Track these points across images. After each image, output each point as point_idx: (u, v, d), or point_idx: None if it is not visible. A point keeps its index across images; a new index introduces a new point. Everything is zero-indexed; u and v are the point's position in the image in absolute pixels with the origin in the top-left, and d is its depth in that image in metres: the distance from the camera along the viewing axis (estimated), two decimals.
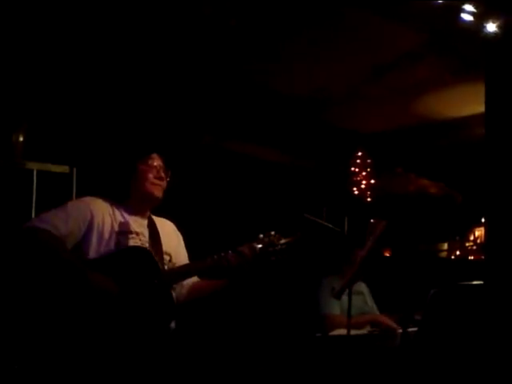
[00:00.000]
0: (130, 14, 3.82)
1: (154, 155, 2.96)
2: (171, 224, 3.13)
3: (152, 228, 2.95)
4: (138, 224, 2.91)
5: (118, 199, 2.91)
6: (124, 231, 2.82)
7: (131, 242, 2.82)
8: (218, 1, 3.81)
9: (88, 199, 2.88)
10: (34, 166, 4.14)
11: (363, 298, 4.45)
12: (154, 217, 3.03)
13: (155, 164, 2.95)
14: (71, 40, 3.99)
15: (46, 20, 3.79)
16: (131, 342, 2.64)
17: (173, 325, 2.87)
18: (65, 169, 4.24)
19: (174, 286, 2.91)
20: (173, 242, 3.03)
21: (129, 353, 2.63)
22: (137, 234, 2.86)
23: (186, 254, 3.11)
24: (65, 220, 2.72)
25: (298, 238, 3.06)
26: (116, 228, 2.81)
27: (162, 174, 2.94)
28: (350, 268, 4.21)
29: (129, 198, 2.93)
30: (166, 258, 2.93)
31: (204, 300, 3.09)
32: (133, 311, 2.67)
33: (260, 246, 2.98)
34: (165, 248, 2.93)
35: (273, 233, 3.03)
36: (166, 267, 2.90)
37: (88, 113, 4.50)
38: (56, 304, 2.60)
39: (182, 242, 3.12)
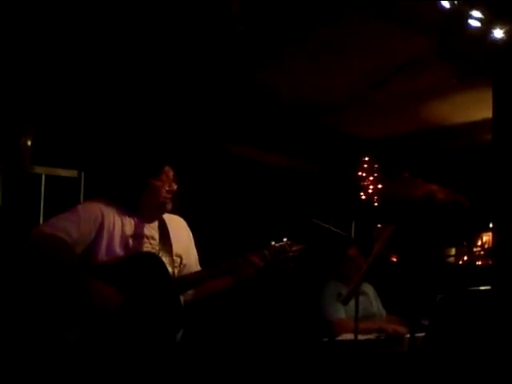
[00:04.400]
0: (137, 21, 3.84)
1: (167, 168, 2.91)
2: (182, 221, 3.09)
3: (162, 229, 2.91)
4: (149, 227, 2.88)
5: (129, 207, 2.87)
6: (134, 235, 2.80)
7: (141, 246, 2.80)
8: (225, 6, 3.82)
9: (98, 201, 2.85)
10: (42, 171, 4.15)
11: (368, 298, 4.44)
12: (164, 214, 2.98)
13: (168, 177, 2.90)
14: (81, 45, 4.00)
15: (52, 24, 3.80)
16: (134, 353, 2.63)
17: (179, 334, 2.85)
18: (73, 173, 4.25)
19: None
20: (183, 242, 3.00)
21: (131, 364, 2.62)
22: (147, 237, 2.83)
23: (196, 254, 3.08)
24: (76, 224, 2.70)
25: (308, 244, 3.05)
26: (126, 231, 2.79)
27: (175, 187, 2.91)
28: (351, 269, 4.26)
29: (140, 207, 2.88)
30: (177, 260, 2.90)
31: (210, 300, 3.07)
32: (137, 322, 2.64)
33: (271, 253, 2.97)
34: (175, 249, 2.90)
35: (285, 239, 3.02)
36: (176, 270, 2.88)
37: (96, 117, 4.51)
38: (56, 313, 2.60)
39: (192, 240, 3.09)
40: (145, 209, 2.88)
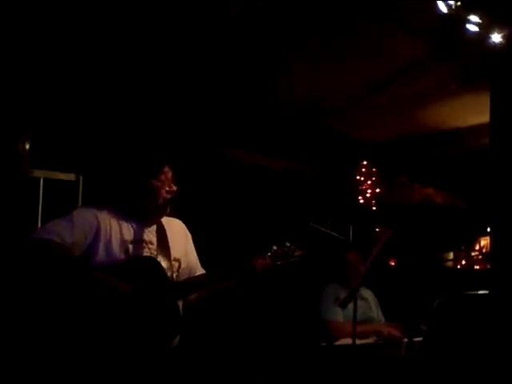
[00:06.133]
0: (135, 25, 3.84)
1: (166, 168, 2.87)
2: (180, 223, 3.04)
3: (160, 233, 2.88)
4: (147, 231, 2.85)
5: (128, 211, 2.84)
6: (134, 240, 2.78)
7: (139, 251, 2.78)
8: (224, 9, 3.83)
9: (94, 206, 2.82)
10: (41, 174, 4.15)
11: (367, 303, 4.43)
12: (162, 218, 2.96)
13: (167, 178, 2.87)
14: (79, 48, 4.01)
15: (50, 28, 3.80)
16: (130, 356, 2.62)
17: (177, 339, 2.83)
18: (71, 177, 4.26)
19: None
20: (181, 246, 2.96)
21: (126, 367, 2.62)
22: (145, 242, 2.80)
23: (196, 255, 3.04)
24: (70, 229, 2.68)
25: (310, 250, 3.03)
26: (124, 236, 2.76)
27: (174, 188, 2.88)
28: (350, 273, 4.26)
29: (140, 210, 2.85)
30: (175, 264, 2.87)
31: (210, 303, 3.06)
32: (135, 326, 2.63)
33: (273, 257, 2.94)
34: (173, 254, 2.87)
35: (288, 244, 2.98)
36: (175, 275, 2.86)
37: (94, 120, 4.51)
38: (64, 311, 2.58)
39: (191, 243, 3.04)
40: (145, 211, 2.85)
